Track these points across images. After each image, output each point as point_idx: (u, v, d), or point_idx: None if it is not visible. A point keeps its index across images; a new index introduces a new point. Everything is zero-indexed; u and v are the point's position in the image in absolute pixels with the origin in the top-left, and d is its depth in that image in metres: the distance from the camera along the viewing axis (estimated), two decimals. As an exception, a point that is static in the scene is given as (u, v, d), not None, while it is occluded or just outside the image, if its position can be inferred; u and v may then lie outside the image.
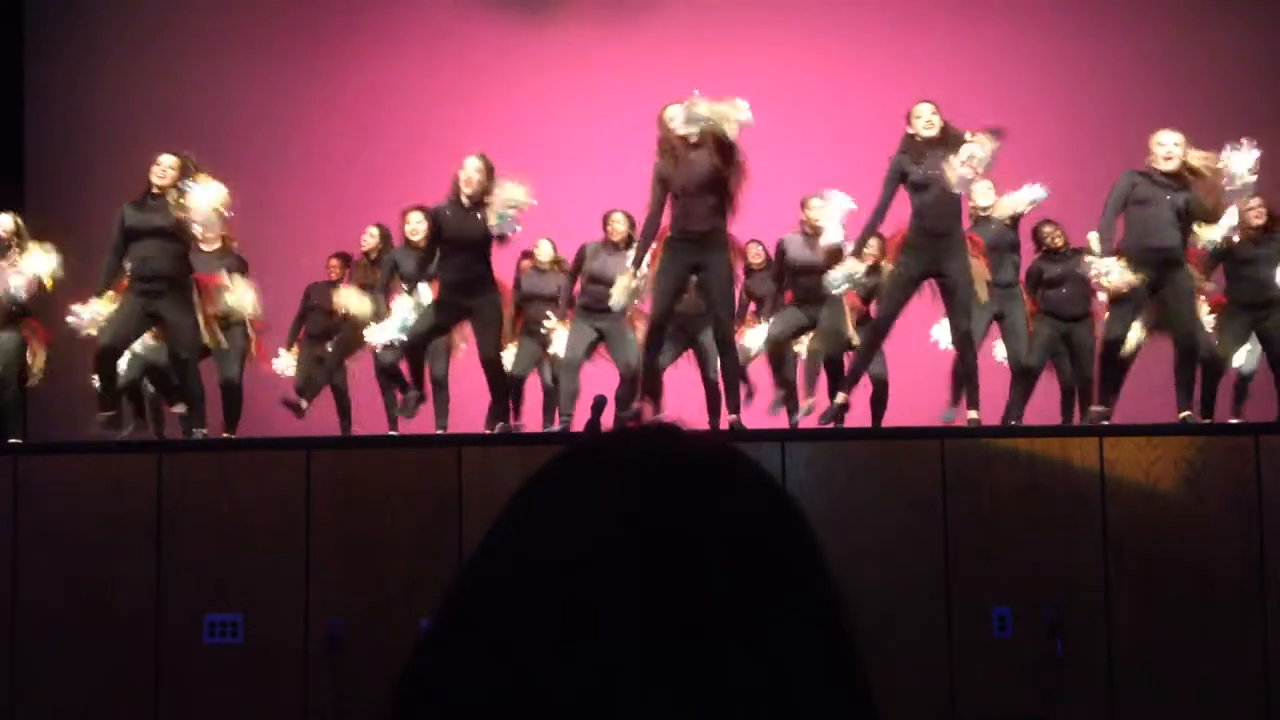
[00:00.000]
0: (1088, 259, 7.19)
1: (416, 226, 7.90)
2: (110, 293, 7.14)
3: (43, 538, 6.41)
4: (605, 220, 8.25)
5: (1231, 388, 8.35)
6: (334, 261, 8.85)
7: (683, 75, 10.24)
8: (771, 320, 8.19)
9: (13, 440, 7.38)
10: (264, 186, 9.54)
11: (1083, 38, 10.54)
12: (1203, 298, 7.55)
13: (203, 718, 6.23)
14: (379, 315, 7.97)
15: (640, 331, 7.72)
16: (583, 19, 10.64)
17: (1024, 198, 7.95)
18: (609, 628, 0.71)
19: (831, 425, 7.22)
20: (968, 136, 6.67)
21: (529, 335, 8.35)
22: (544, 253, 8.69)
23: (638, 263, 7.08)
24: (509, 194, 6.96)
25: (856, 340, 7.60)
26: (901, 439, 6.61)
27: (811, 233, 8.00)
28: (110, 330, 6.96)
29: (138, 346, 7.56)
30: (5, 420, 7.68)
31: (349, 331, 8.35)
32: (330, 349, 8.68)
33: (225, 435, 7.87)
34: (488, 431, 7.31)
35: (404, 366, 7.69)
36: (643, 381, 7.01)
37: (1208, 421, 7.26)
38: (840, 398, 7.21)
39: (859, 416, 7.79)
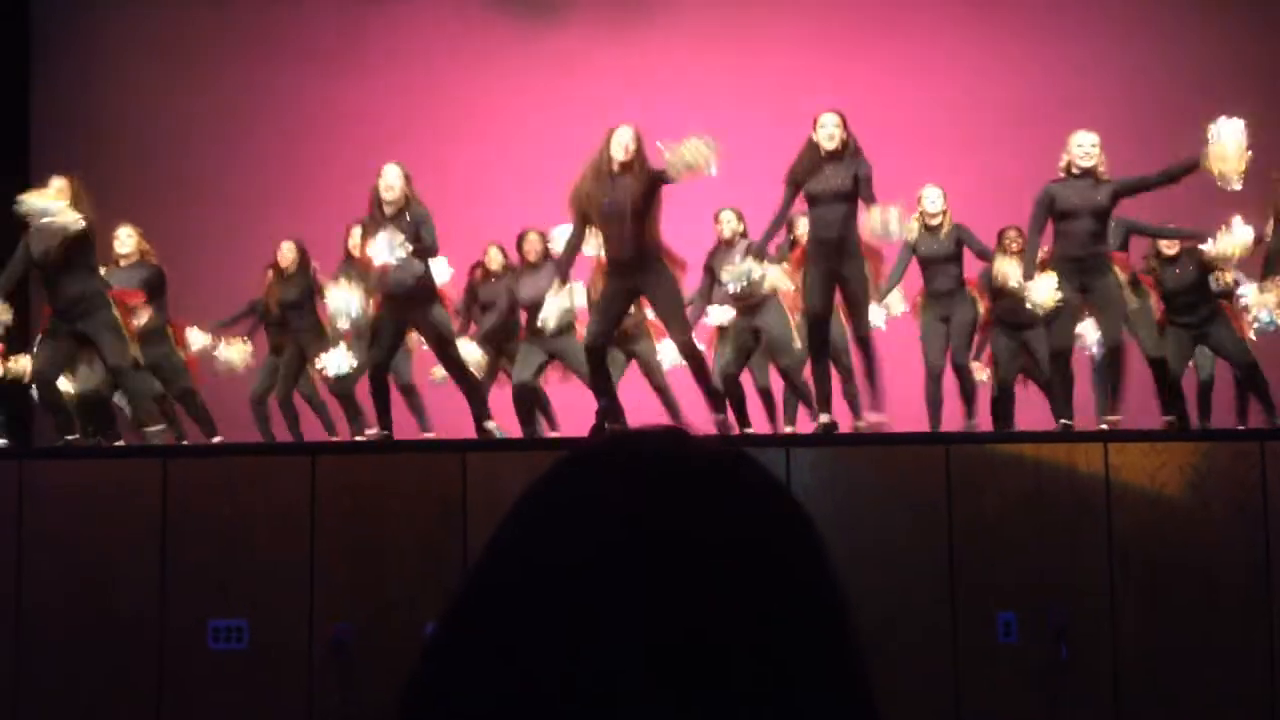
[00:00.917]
0: (1012, 282, 7.33)
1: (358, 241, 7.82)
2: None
3: (47, 542, 6.42)
4: (520, 240, 8.26)
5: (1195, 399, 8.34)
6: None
7: (688, 78, 10.28)
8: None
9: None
10: (266, 193, 9.57)
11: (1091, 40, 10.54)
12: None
13: (207, 723, 6.23)
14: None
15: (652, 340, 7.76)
16: (587, 23, 10.65)
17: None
18: (614, 631, 0.71)
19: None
20: (879, 216, 6.56)
21: (530, 342, 8.18)
22: (494, 261, 8.60)
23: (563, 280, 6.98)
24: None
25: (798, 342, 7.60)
26: (906, 444, 6.60)
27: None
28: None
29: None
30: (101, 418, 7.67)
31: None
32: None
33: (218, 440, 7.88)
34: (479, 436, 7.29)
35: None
36: (606, 410, 6.86)
37: (1170, 420, 7.26)
38: (824, 418, 7.05)
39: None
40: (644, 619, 0.71)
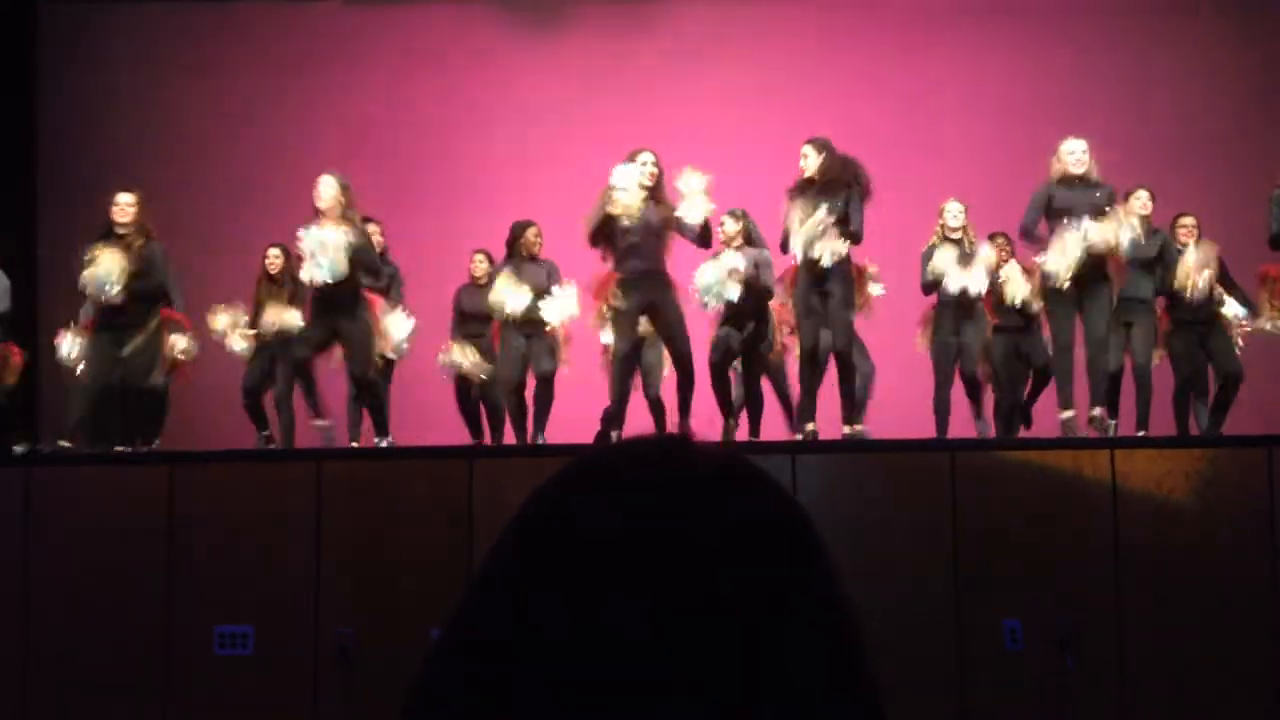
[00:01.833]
0: (1003, 271, 7.59)
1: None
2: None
3: (54, 548, 6.43)
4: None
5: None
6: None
7: (691, 87, 10.29)
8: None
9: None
10: (273, 204, 9.56)
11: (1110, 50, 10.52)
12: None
13: (212, 729, 6.23)
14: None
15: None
16: (590, 33, 10.66)
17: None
18: (617, 638, 0.72)
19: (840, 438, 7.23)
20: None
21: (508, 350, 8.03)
22: (480, 268, 8.53)
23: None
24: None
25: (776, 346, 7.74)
26: (912, 451, 6.60)
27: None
28: None
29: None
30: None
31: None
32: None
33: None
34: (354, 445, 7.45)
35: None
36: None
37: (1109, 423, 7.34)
38: (809, 427, 7.13)
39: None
40: (649, 624, 0.72)
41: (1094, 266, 6.99)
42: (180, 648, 6.29)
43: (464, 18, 10.75)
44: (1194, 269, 7.59)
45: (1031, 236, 7.23)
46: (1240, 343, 7.79)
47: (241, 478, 6.48)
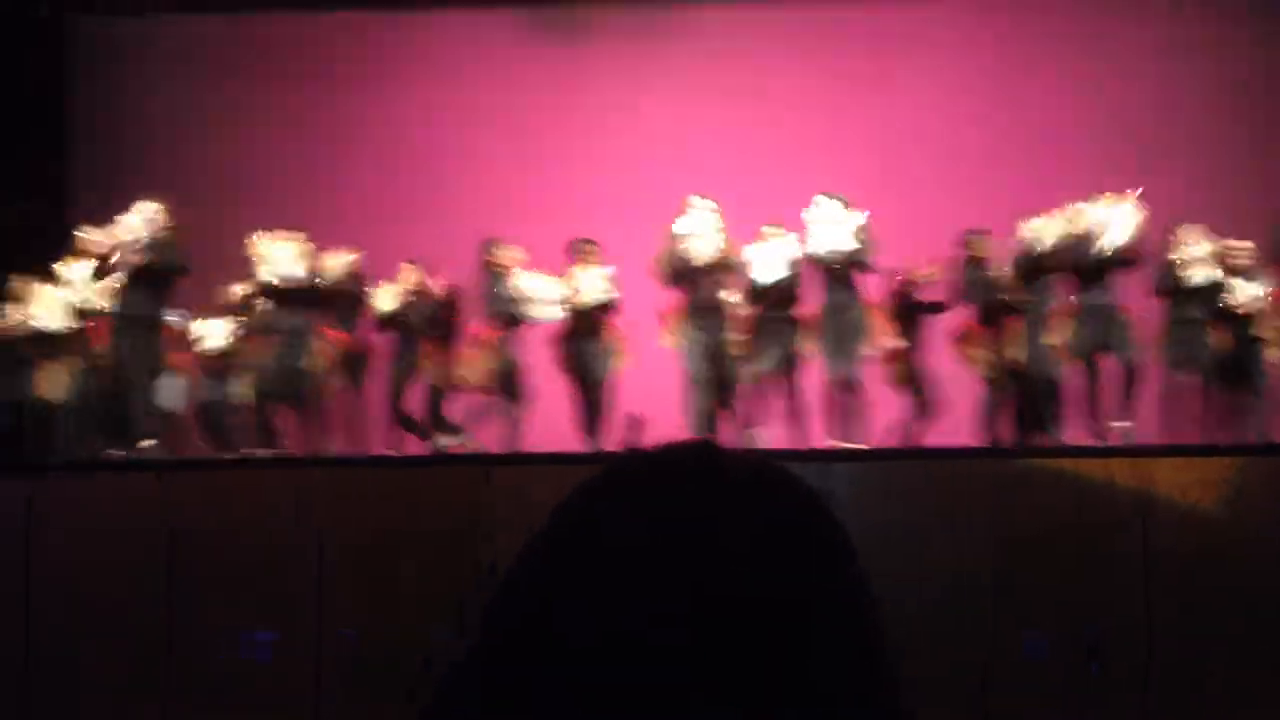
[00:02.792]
0: None
1: None
2: None
3: (60, 555, 6.45)
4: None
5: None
6: None
7: (720, 93, 10.28)
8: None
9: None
10: (302, 215, 9.60)
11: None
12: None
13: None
14: None
15: None
16: (620, 41, 10.65)
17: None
18: (642, 643, 0.72)
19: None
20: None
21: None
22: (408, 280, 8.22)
23: None
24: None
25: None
26: (944, 459, 6.57)
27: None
28: None
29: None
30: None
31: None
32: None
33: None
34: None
35: None
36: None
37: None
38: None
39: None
40: (674, 628, 0.71)
41: None
42: (193, 652, 6.31)
43: (489, 27, 10.78)
44: None
45: None
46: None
47: (261, 484, 6.50)
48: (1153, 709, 5.99)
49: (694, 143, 10.06)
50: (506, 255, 8.00)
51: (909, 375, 7.62)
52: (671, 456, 0.81)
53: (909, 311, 7.66)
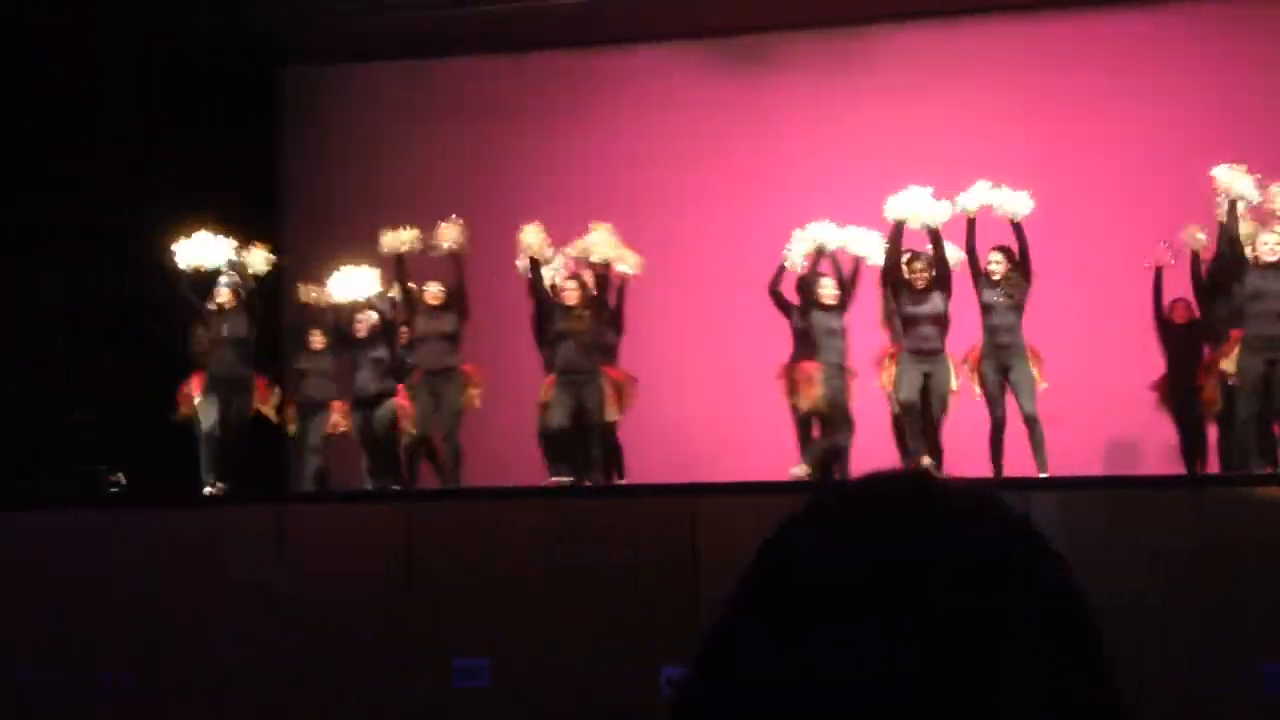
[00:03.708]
0: None
1: None
2: None
3: (302, 582, 6.75)
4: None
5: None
6: None
7: (905, 118, 10.16)
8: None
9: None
10: (494, 252, 9.87)
11: None
12: None
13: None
14: None
15: None
16: (801, 69, 10.62)
17: None
18: (839, 672, 0.71)
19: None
20: None
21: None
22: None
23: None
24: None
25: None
26: (1153, 488, 6.34)
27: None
28: None
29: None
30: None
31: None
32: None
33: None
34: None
35: None
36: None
37: None
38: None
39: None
40: (880, 657, 0.71)
41: None
42: (418, 680, 6.51)
43: (676, 62, 10.87)
44: None
45: None
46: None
47: (475, 514, 6.69)
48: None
49: (883, 165, 9.97)
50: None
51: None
52: (881, 486, 0.81)
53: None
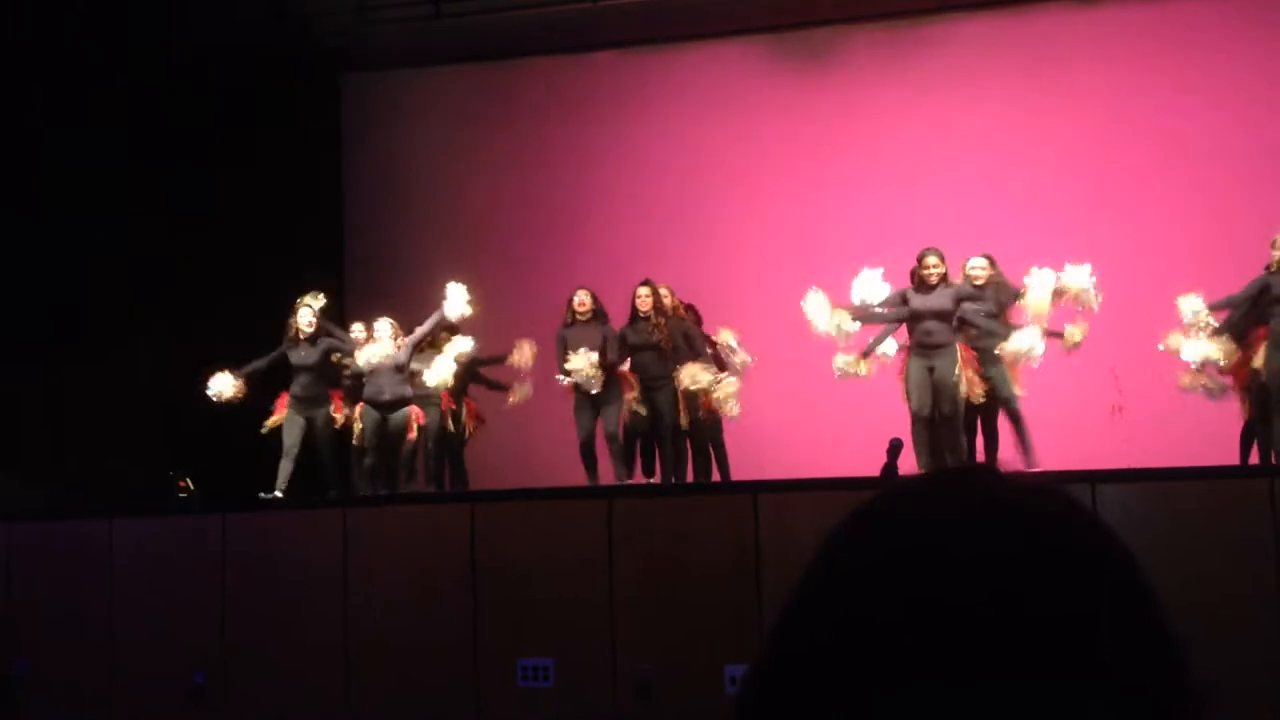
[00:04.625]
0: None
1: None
2: None
3: (370, 582, 6.83)
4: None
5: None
6: None
7: (963, 109, 10.05)
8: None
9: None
10: (560, 259, 9.89)
11: None
12: None
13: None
14: None
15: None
16: (859, 64, 10.54)
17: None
18: (934, 682, 0.70)
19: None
20: None
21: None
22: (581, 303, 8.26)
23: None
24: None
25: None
26: (1224, 478, 6.21)
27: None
28: None
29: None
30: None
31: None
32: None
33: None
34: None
35: None
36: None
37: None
38: None
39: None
40: (967, 672, 0.70)
41: None
42: (485, 679, 6.55)
43: (735, 58, 10.84)
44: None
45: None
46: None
47: (538, 514, 6.72)
48: None
49: (942, 172, 9.88)
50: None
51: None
52: (947, 480, 0.80)
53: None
